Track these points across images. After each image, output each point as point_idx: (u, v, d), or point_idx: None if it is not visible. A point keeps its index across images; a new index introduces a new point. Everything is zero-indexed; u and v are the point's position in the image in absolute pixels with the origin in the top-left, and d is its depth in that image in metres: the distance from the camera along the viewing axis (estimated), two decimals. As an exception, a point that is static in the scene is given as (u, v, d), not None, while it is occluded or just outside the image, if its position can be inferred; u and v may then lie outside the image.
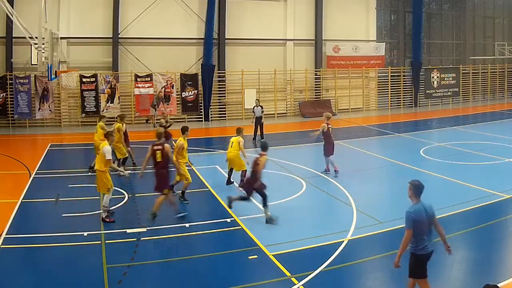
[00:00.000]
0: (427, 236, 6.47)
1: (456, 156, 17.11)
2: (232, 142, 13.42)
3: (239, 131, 13.58)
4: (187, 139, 12.28)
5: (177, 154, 11.71)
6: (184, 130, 12.17)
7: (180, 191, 12.22)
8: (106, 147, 10.66)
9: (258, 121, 20.60)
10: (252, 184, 10.56)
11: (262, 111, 20.92)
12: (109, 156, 10.62)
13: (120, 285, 7.76)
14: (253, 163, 10.72)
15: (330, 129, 14.71)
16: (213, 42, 26.64)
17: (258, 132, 20.55)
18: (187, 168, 12.55)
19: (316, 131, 14.89)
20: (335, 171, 14.60)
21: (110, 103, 25.23)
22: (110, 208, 11.00)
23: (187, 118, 26.64)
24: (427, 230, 6.48)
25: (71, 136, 20.14)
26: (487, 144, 18.99)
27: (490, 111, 30.72)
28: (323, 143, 14.79)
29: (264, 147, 11.07)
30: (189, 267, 8.63)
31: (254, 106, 21.08)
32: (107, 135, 11.24)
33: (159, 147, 10.63)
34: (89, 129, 23.48)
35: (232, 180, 13.73)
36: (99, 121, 15.55)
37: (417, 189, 6.49)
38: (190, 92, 26.55)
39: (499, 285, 6.66)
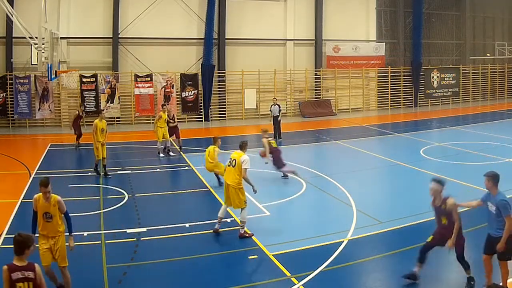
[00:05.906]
0: None
1: (456, 156, 17.10)
2: (209, 152, 13.18)
3: (215, 141, 13.34)
4: None
5: None
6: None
7: None
8: None
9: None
10: None
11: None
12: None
13: (120, 285, 7.75)
14: None
15: None
16: (213, 42, 26.64)
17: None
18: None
19: None
20: None
21: (110, 103, 25.22)
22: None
23: (187, 118, 26.64)
24: None
25: (71, 136, 20.10)
26: (487, 144, 18.96)
27: (490, 111, 30.69)
28: None
29: None
30: (189, 267, 8.62)
31: (272, 105, 21.87)
32: None
33: None
34: (89, 129, 23.47)
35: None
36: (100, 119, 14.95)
37: (496, 179, 6.95)
38: (190, 92, 26.55)
39: (500, 284, 6.69)
